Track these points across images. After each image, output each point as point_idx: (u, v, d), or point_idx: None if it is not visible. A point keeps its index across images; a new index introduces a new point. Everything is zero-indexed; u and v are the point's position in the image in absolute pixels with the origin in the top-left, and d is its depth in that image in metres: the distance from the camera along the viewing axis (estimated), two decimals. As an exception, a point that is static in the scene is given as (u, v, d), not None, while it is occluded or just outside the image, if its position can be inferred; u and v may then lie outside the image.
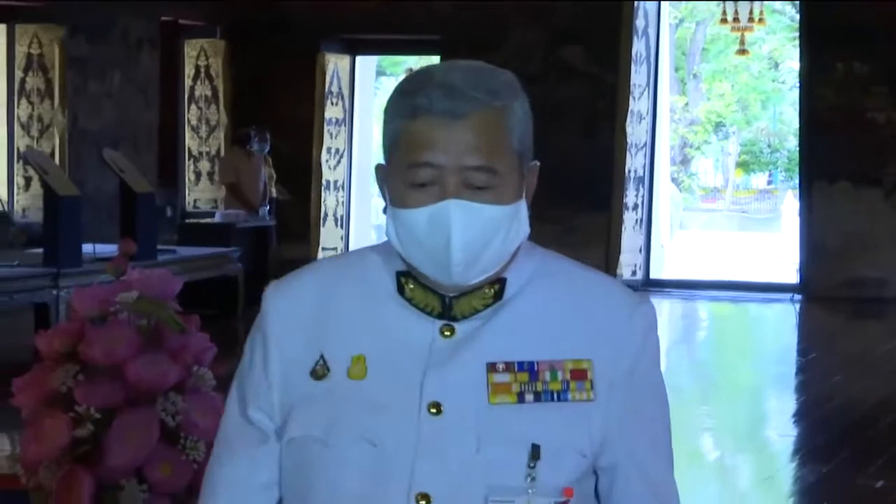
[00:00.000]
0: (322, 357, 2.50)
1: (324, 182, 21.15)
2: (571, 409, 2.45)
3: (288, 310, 2.57)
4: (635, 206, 20.09)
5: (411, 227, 2.44)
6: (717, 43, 36.61)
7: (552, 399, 2.44)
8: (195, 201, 20.73)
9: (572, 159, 19.28)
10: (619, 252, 19.66)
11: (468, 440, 2.40)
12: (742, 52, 25.04)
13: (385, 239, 2.57)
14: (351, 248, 21.65)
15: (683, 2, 27.35)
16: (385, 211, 2.54)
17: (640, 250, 20.20)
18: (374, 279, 2.55)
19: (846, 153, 18.59)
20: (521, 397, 2.43)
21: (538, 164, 2.54)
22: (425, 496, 2.39)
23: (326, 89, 21.05)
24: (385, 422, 2.42)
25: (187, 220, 19.13)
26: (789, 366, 15.05)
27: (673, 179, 28.97)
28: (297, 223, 20.32)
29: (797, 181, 21.00)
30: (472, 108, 2.41)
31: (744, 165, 39.98)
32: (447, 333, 2.48)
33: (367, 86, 22.48)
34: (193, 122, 21.04)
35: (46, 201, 13.33)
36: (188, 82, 20.90)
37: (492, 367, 2.44)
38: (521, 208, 2.50)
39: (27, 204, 17.42)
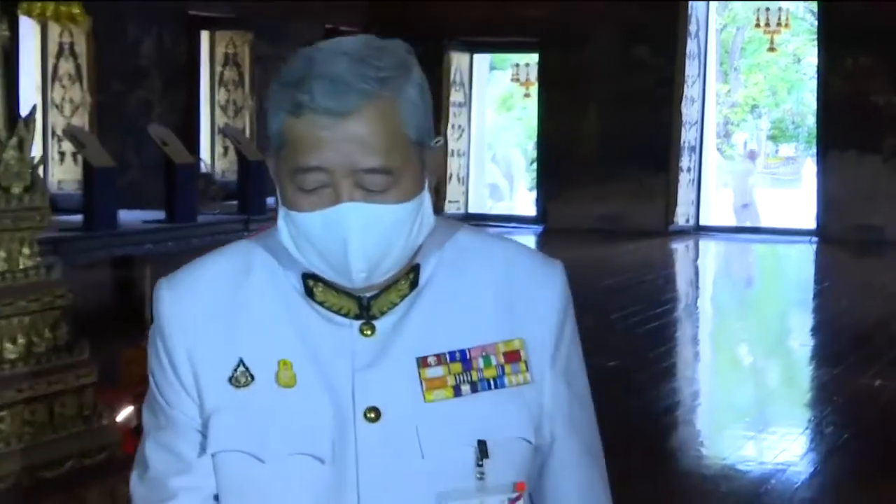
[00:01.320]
0: (242, 362, 1.80)
1: (449, 150, 21.12)
2: (510, 395, 1.80)
3: (188, 309, 1.83)
4: (688, 169, 19.96)
5: (306, 232, 1.74)
6: (753, 43, 36.09)
7: (489, 387, 1.79)
8: (352, 165, 20.81)
9: (641, 133, 19.25)
10: (675, 204, 19.56)
11: (411, 446, 1.76)
12: (772, 49, 24.74)
13: (266, 230, 1.89)
14: (470, 201, 21.64)
15: (728, 1, 26.92)
16: (276, 205, 1.82)
17: (692, 203, 20.07)
18: (279, 276, 1.84)
19: (853, 128, 18.34)
20: (457, 390, 1.78)
21: (441, 141, 1.85)
22: None
23: (451, 79, 21.03)
24: (323, 433, 1.76)
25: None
26: (808, 292, 14.94)
27: (718, 149, 28.63)
28: (428, 182, 20.35)
29: (815, 150, 20.71)
30: (361, 102, 1.69)
31: (773, 138, 39.53)
32: (367, 332, 1.80)
33: (482, 77, 22.39)
34: (350, 105, 21.12)
35: (240, 165, 13.51)
36: (346, 74, 20.98)
37: (423, 362, 1.78)
38: (424, 199, 1.79)
39: (225, 167, 17.56)
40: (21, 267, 4.03)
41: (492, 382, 1.80)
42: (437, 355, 1.80)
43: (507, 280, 1.86)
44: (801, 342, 11.52)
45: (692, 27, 19.73)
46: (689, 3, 19.61)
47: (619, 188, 19.25)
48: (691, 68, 19.80)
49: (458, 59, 21.17)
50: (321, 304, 1.81)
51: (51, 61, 16.53)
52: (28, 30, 15.60)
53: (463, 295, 1.84)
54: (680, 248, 18.42)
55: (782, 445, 7.49)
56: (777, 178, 36.19)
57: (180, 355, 1.82)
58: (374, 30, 20.70)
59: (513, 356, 1.82)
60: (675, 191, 19.59)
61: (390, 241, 1.75)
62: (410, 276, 1.83)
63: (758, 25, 22.51)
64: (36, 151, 4.58)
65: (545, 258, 1.93)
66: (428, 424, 1.77)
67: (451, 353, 1.80)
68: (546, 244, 18.50)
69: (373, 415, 1.77)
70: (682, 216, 19.76)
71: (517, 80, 23.51)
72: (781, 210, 25.18)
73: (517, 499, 1.79)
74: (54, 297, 4.23)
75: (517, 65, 23.36)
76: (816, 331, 11.99)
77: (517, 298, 1.85)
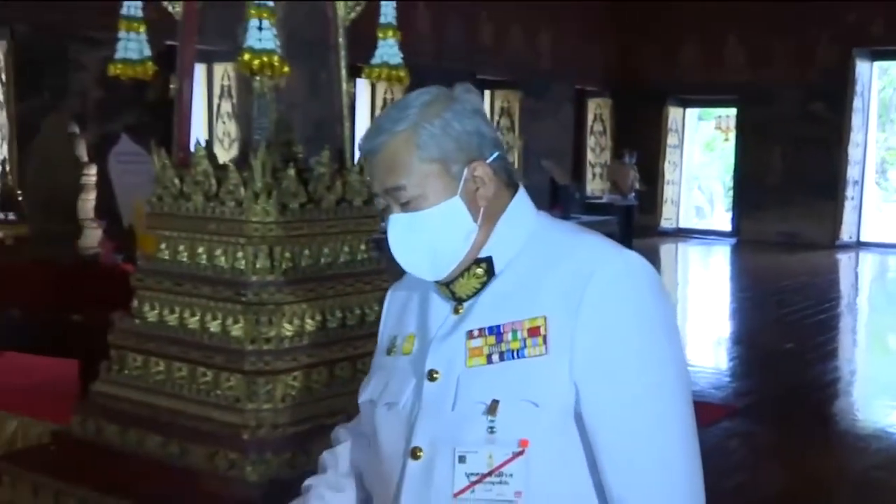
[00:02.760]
0: (395, 338, 1.83)
1: (666, 180, 20.89)
2: (527, 364, 1.63)
3: (390, 308, 1.91)
4: (852, 197, 19.26)
5: None
6: (907, 100, 34.54)
7: (513, 357, 1.64)
8: (592, 190, 20.74)
9: (815, 169, 18.74)
10: (841, 224, 18.95)
11: (448, 400, 1.67)
12: (923, 106, 23.62)
13: None
14: (680, 218, 21.32)
15: (888, 62, 25.74)
16: None
17: (854, 224, 19.38)
18: None
19: None
20: (489, 358, 1.66)
21: (491, 158, 1.73)
22: (419, 449, 1.69)
23: (668, 127, 20.80)
24: (407, 388, 1.74)
25: (587, 201, 19.18)
26: (946, 295, 14.19)
27: (875, 183, 27.43)
28: (649, 203, 20.11)
29: (956, 184, 19.69)
30: (384, 139, 1.69)
31: (921, 174, 37.79)
32: (459, 310, 1.73)
33: (692, 125, 22.05)
34: (591, 145, 21.04)
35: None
36: (589, 123, 20.92)
37: (469, 335, 1.69)
38: (452, 206, 1.69)
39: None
40: (359, 258, 4.20)
41: (515, 353, 1.64)
42: (480, 329, 1.68)
43: (560, 264, 1.67)
44: (940, 334, 10.99)
45: (858, 88, 19.06)
46: (857, 70, 18.93)
47: (797, 211, 18.86)
48: (856, 120, 19.11)
49: (673, 112, 20.91)
50: (438, 287, 1.77)
51: (377, 112, 17.08)
52: (361, 88, 16.14)
53: (522, 280, 1.70)
54: (843, 258, 17.75)
55: (922, 414, 7.19)
56: (923, 205, 34.61)
57: (379, 339, 1.89)
58: (611, 90, 20.62)
59: (534, 331, 1.64)
60: (841, 214, 18.96)
61: (422, 240, 1.70)
62: (482, 265, 1.72)
63: (911, 87, 21.58)
64: (371, 178, 4.75)
65: (610, 251, 1.67)
66: (464, 384, 1.66)
67: (490, 328, 1.68)
68: (738, 253, 18.16)
69: (436, 375, 1.70)
70: (846, 234, 19.12)
71: (719, 128, 23.08)
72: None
73: (520, 453, 1.62)
74: (381, 280, 4.40)
75: (719, 116, 22.92)
76: (952, 325, 11.40)
77: (559, 279, 1.65)
